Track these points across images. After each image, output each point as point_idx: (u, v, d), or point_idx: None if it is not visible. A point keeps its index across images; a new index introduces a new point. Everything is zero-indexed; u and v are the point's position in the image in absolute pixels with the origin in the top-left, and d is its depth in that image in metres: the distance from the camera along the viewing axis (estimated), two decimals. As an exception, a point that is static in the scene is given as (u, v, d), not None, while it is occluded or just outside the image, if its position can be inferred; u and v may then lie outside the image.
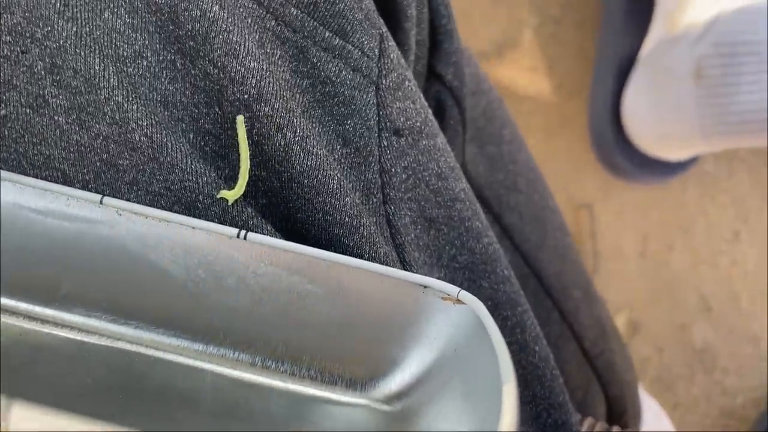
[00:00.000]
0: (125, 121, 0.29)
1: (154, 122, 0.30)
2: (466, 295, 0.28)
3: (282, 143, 0.31)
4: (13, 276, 0.30)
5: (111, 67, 0.29)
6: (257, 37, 0.30)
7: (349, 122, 0.33)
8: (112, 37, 0.29)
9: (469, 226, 0.36)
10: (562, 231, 0.52)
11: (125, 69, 0.29)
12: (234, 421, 0.29)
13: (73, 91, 0.29)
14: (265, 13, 0.31)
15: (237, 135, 0.30)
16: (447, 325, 0.28)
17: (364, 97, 0.33)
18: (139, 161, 0.30)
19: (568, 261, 0.51)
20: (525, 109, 0.85)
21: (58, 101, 0.29)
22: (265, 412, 0.29)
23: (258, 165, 0.31)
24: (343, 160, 0.33)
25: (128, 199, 0.30)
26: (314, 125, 0.32)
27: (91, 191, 0.30)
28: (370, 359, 0.29)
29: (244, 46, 0.30)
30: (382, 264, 0.31)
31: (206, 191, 0.30)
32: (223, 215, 0.30)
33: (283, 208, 0.32)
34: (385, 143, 0.33)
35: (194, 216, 0.30)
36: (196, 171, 0.30)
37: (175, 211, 0.30)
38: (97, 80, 0.29)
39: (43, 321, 0.30)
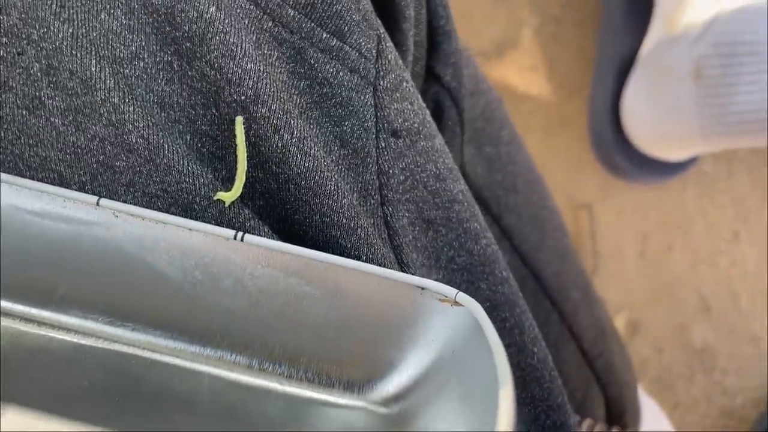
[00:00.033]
0: (122, 123, 0.29)
1: (150, 124, 0.30)
2: (463, 297, 0.27)
3: (279, 145, 0.30)
4: (9, 278, 0.30)
5: (107, 69, 0.29)
6: (254, 38, 0.30)
7: (346, 123, 0.33)
8: (108, 39, 0.29)
9: (468, 228, 0.36)
10: (560, 232, 0.52)
11: (122, 70, 0.29)
12: (231, 424, 0.29)
13: (70, 92, 0.29)
14: (262, 14, 0.31)
15: (234, 136, 0.30)
16: (444, 327, 0.28)
17: (362, 98, 0.33)
18: (136, 163, 0.30)
19: (567, 262, 0.51)
20: (525, 108, 0.85)
21: (54, 103, 0.29)
22: (262, 414, 0.29)
23: (255, 166, 0.31)
24: (340, 162, 0.33)
25: (125, 201, 0.30)
26: (312, 126, 0.32)
27: (88, 193, 0.29)
28: (368, 361, 0.29)
29: (241, 48, 0.30)
30: (380, 266, 0.31)
31: (203, 193, 0.30)
32: (220, 217, 0.30)
33: (281, 209, 0.32)
34: (383, 144, 0.33)
35: (191, 218, 0.30)
36: (193, 173, 0.30)
37: (171, 213, 0.30)
38: (93, 82, 0.29)
39: (40, 323, 0.30)
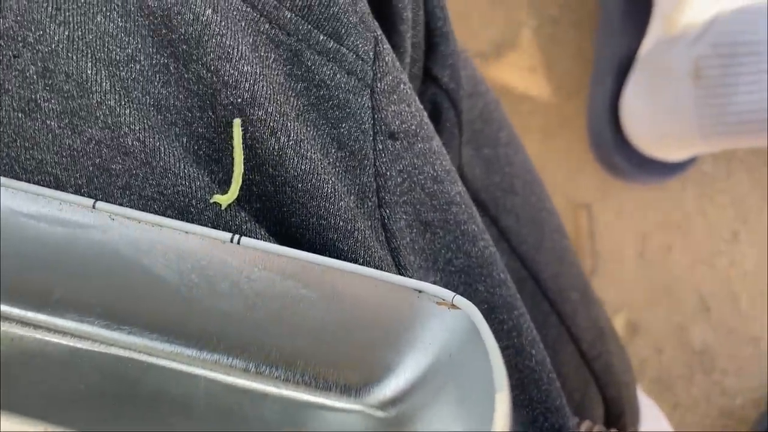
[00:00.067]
0: (118, 126, 0.29)
1: (146, 126, 0.29)
2: (460, 300, 0.27)
3: (276, 147, 0.30)
4: (5, 281, 0.30)
5: (103, 71, 0.29)
6: (251, 40, 0.30)
7: (343, 125, 0.33)
8: (104, 41, 0.29)
9: (465, 230, 0.36)
10: (559, 233, 0.52)
11: (118, 73, 0.29)
12: (227, 427, 0.29)
13: (66, 95, 0.29)
14: (258, 16, 0.31)
15: (231, 139, 0.30)
16: (442, 330, 0.28)
17: (359, 100, 0.33)
18: (132, 165, 0.30)
19: (566, 263, 0.51)
20: (524, 109, 0.85)
21: (50, 105, 0.29)
22: (258, 418, 0.29)
23: (252, 169, 0.31)
24: (337, 164, 0.33)
25: (121, 204, 0.30)
26: (309, 129, 0.32)
27: (84, 196, 0.29)
28: (365, 364, 0.29)
29: (238, 50, 0.30)
30: (377, 268, 0.31)
31: (199, 195, 0.30)
32: (217, 220, 0.30)
33: (277, 212, 0.32)
34: (380, 146, 0.33)
35: (187, 220, 0.30)
36: (189, 175, 0.30)
37: (168, 216, 0.30)
38: (89, 84, 0.29)
39: (36, 326, 0.30)
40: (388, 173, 0.33)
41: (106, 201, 0.29)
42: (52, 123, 0.29)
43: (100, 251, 0.29)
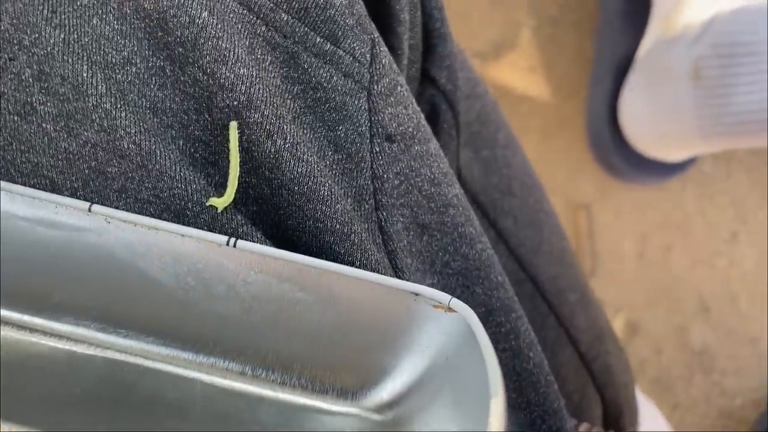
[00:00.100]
0: (113, 129, 0.29)
1: (142, 129, 0.29)
2: (457, 303, 0.27)
3: (272, 150, 0.30)
4: (2, 285, 0.30)
5: (99, 74, 0.29)
6: (247, 42, 0.30)
7: (340, 128, 0.32)
8: (100, 44, 0.29)
9: (463, 232, 0.35)
10: (557, 235, 0.52)
11: (114, 76, 0.29)
12: (224, 431, 0.29)
13: (61, 98, 0.29)
14: (255, 18, 0.31)
15: (227, 141, 0.30)
16: (438, 333, 0.28)
17: (356, 102, 0.33)
18: (128, 169, 0.29)
19: (564, 265, 0.51)
20: (523, 110, 0.85)
21: (45, 108, 0.29)
22: (255, 421, 0.29)
23: (248, 172, 0.31)
24: (334, 167, 0.32)
25: (117, 207, 0.30)
26: (305, 131, 0.32)
27: (80, 199, 0.29)
28: (361, 368, 0.29)
29: (234, 53, 0.30)
30: (374, 271, 0.31)
31: (195, 198, 0.30)
32: (213, 223, 0.30)
33: (274, 215, 0.31)
34: (377, 149, 0.33)
35: (183, 224, 0.30)
36: (185, 178, 0.30)
37: (164, 219, 0.30)
38: (85, 87, 0.29)
39: (32, 330, 0.30)
40: (385, 176, 0.33)
41: (102, 204, 0.29)
42: (48, 126, 0.29)
43: (96, 254, 0.29)
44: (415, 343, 0.28)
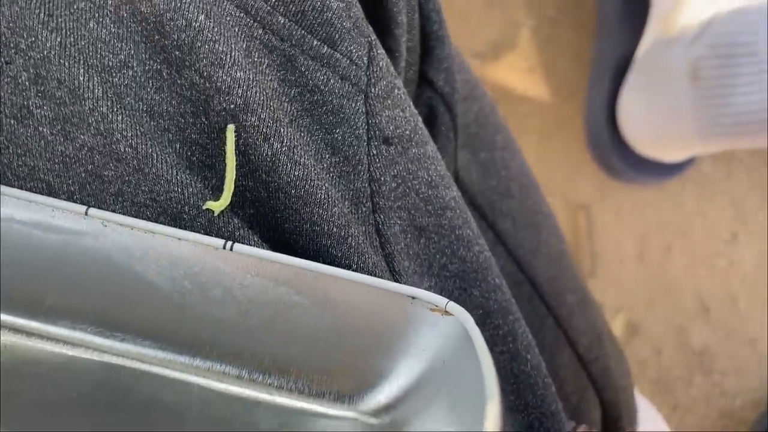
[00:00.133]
0: (110, 132, 0.29)
1: (139, 133, 0.29)
2: (454, 307, 0.27)
3: (269, 153, 0.30)
4: (-2, 288, 0.30)
5: (96, 78, 0.29)
6: (244, 46, 0.30)
7: (337, 131, 0.32)
8: (97, 47, 0.29)
9: (460, 235, 0.35)
10: (556, 236, 0.52)
11: (110, 79, 0.29)
12: (221, 434, 0.29)
13: (58, 101, 0.29)
14: (252, 22, 0.31)
15: (224, 145, 0.30)
16: (435, 336, 0.28)
17: (353, 105, 0.32)
18: (125, 172, 0.29)
19: (563, 266, 0.51)
20: (522, 110, 0.85)
21: (42, 112, 0.29)
22: (252, 425, 0.29)
23: (245, 175, 0.31)
24: (331, 170, 0.32)
25: (113, 211, 0.30)
26: (302, 134, 0.32)
27: (76, 202, 0.29)
28: (358, 371, 0.29)
29: (231, 56, 0.30)
30: (371, 274, 0.31)
31: (192, 202, 0.30)
32: (210, 226, 0.30)
33: (271, 218, 0.31)
34: (375, 152, 0.33)
35: (180, 227, 0.30)
36: (182, 181, 0.30)
37: (160, 222, 0.30)
38: (81, 91, 0.29)
39: (29, 334, 0.30)
40: (383, 178, 0.33)
41: (99, 208, 0.29)
42: (45, 129, 0.29)
43: (93, 258, 0.29)
44: (411, 346, 0.28)
